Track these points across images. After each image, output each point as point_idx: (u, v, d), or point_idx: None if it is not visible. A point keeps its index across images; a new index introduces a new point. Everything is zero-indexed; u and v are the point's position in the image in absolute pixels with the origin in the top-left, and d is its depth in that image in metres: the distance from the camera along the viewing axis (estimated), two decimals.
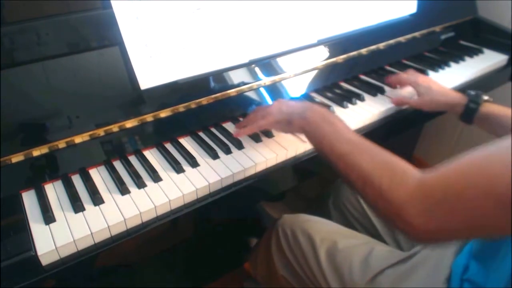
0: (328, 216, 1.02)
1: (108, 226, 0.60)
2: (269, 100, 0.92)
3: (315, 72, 0.98)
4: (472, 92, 0.85)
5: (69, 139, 0.68)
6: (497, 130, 0.80)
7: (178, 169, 0.71)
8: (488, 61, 1.21)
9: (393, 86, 0.99)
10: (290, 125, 0.71)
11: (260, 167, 0.75)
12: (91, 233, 0.59)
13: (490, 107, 0.81)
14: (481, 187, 0.38)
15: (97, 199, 0.64)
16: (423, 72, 1.11)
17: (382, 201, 0.48)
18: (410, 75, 0.95)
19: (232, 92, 0.85)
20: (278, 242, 0.89)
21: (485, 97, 0.83)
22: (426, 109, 0.91)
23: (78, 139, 0.69)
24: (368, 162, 0.52)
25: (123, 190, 0.66)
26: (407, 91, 0.98)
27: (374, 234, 0.90)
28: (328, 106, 0.91)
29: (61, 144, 0.68)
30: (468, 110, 0.83)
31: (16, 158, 0.64)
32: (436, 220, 0.42)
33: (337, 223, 0.89)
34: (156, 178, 0.69)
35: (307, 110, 0.68)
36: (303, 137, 0.81)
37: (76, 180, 0.69)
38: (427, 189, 0.44)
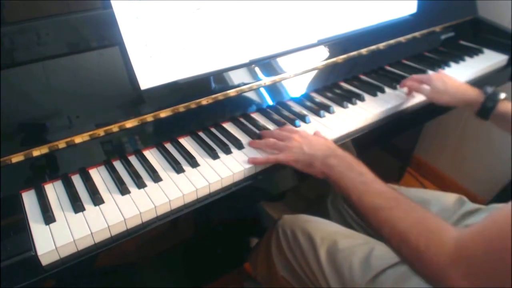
0: (327, 216, 1.02)
1: (108, 226, 0.60)
2: (269, 100, 0.92)
3: (315, 72, 0.98)
4: (489, 90, 0.84)
5: (69, 139, 0.68)
6: (510, 128, 0.80)
7: (178, 169, 0.71)
8: (488, 61, 1.21)
9: (409, 91, 0.98)
10: (311, 168, 0.68)
11: (260, 167, 0.75)
12: (91, 233, 0.59)
13: (507, 105, 0.81)
14: None
15: (97, 199, 0.64)
16: (423, 72, 1.11)
17: (421, 264, 0.46)
18: (422, 76, 0.95)
19: (232, 92, 0.85)
20: (278, 242, 0.89)
21: (503, 95, 0.83)
22: (440, 103, 0.90)
23: (78, 139, 0.69)
24: (402, 219, 0.50)
25: (123, 190, 0.66)
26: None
27: (372, 234, 0.90)
28: (328, 106, 0.91)
29: (61, 144, 0.68)
30: (484, 108, 0.83)
31: (16, 158, 0.64)
32: (480, 282, 0.41)
33: (336, 223, 0.89)
34: (156, 178, 0.69)
35: (330, 156, 0.65)
36: None
37: (76, 180, 0.69)
38: (467, 251, 0.42)
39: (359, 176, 0.60)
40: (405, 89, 0.98)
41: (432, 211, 0.83)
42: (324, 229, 0.84)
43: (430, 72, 1.12)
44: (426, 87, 0.93)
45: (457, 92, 0.88)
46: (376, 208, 0.54)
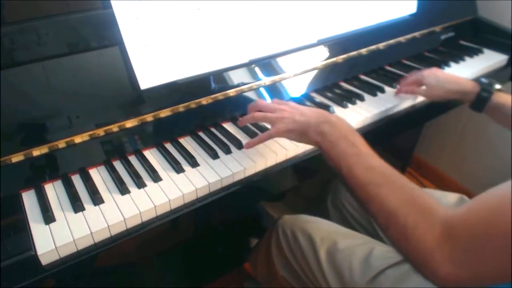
0: (326, 215, 1.02)
1: (108, 226, 0.60)
2: (269, 100, 0.92)
3: (315, 72, 0.98)
4: (485, 80, 0.83)
5: (69, 139, 0.68)
6: (506, 120, 0.79)
7: (178, 169, 0.71)
8: (488, 61, 1.21)
9: (407, 93, 0.97)
10: (304, 136, 0.65)
11: (260, 167, 0.75)
12: (91, 233, 0.59)
13: (502, 96, 0.80)
14: (508, 226, 0.36)
15: (97, 199, 0.64)
16: None
17: (406, 243, 0.45)
18: (415, 73, 0.95)
19: (232, 92, 0.85)
20: (278, 243, 0.89)
21: (498, 86, 0.82)
22: (437, 99, 0.89)
23: (78, 139, 0.70)
24: (392, 197, 0.48)
25: (123, 190, 0.66)
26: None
27: (372, 233, 0.90)
28: (328, 106, 0.91)
29: (61, 144, 0.68)
30: (480, 99, 0.82)
31: (16, 158, 0.64)
32: (466, 266, 0.39)
33: (335, 222, 0.89)
34: (156, 178, 0.69)
35: (324, 122, 0.62)
36: None
37: (76, 180, 0.69)
38: (453, 233, 0.41)
39: (351, 147, 0.56)
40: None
41: None
42: (324, 229, 0.84)
43: None
44: (421, 88, 0.92)
45: (451, 84, 0.87)
46: (366, 183, 0.51)
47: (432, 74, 0.89)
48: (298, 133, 0.66)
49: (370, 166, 0.53)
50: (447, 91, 0.87)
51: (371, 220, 0.52)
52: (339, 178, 0.57)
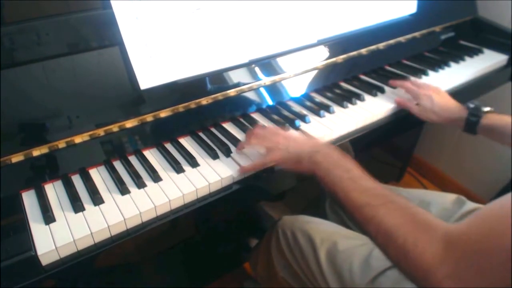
0: (325, 218, 1.02)
1: (108, 226, 0.60)
2: (269, 100, 0.92)
3: (315, 72, 0.98)
4: (471, 105, 0.84)
5: (69, 139, 0.68)
6: (502, 139, 0.80)
7: (178, 169, 0.71)
8: (488, 61, 1.21)
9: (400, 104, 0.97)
10: (298, 165, 0.66)
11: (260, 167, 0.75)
12: (91, 233, 0.59)
13: (492, 118, 0.81)
14: (510, 240, 0.36)
15: (97, 199, 0.64)
16: (423, 72, 1.11)
17: (406, 262, 0.45)
18: (415, 85, 0.95)
19: (232, 92, 0.85)
20: (278, 243, 0.89)
21: (486, 109, 0.83)
22: (426, 120, 0.91)
23: (78, 139, 0.70)
24: (389, 217, 0.48)
25: (123, 190, 0.66)
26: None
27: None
28: (328, 106, 0.91)
29: (61, 144, 0.68)
30: (469, 124, 0.84)
31: (16, 158, 0.64)
32: (465, 283, 0.39)
33: None
34: (156, 178, 0.69)
35: (316, 153, 0.64)
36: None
37: (76, 180, 0.69)
38: (454, 249, 0.41)
39: (345, 173, 0.58)
40: (403, 90, 0.98)
41: (432, 211, 0.84)
42: (324, 230, 0.84)
43: (430, 72, 1.12)
44: (414, 104, 0.93)
45: (442, 111, 0.88)
46: (363, 205, 0.52)
47: (428, 97, 0.90)
48: (292, 163, 0.68)
49: (365, 188, 0.54)
50: (438, 116, 0.89)
51: (372, 241, 0.52)
52: (337, 203, 0.58)
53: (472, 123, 0.83)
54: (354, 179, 0.56)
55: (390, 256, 0.48)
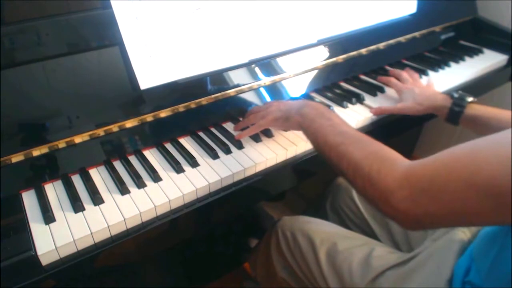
0: (325, 218, 1.02)
1: (108, 226, 0.60)
2: (269, 100, 0.92)
3: (315, 72, 0.98)
4: (456, 95, 0.84)
5: (69, 139, 0.68)
6: (484, 131, 0.79)
7: (178, 169, 0.71)
8: (488, 61, 1.21)
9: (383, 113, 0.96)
10: (288, 121, 0.73)
11: (260, 167, 0.75)
12: (91, 233, 0.59)
13: (476, 108, 0.80)
14: (464, 179, 0.41)
15: (97, 199, 0.64)
16: (423, 72, 1.11)
17: (370, 188, 0.50)
18: (399, 79, 0.95)
19: (232, 92, 0.85)
20: (278, 244, 0.89)
21: (470, 99, 0.82)
22: (410, 114, 0.90)
23: (78, 139, 0.70)
24: (359, 151, 0.54)
25: (123, 190, 0.66)
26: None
27: (371, 236, 0.90)
28: (328, 106, 0.91)
29: (61, 144, 0.68)
30: (452, 113, 0.83)
31: (16, 158, 0.64)
32: (421, 206, 0.45)
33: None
34: (156, 178, 0.69)
35: (304, 106, 0.70)
36: (305, 137, 0.82)
37: (76, 180, 0.69)
38: (413, 177, 0.46)
39: (327, 121, 0.64)
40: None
41: None
42: (323, 231, 0.84)
43: (430, 72, 1.12)
44: (395, 107, 0.92)
45: (426, 99, 0.88)
46: (337, 143, 0.58)
47: (409, 90, 0.90)
48: (283, 120, 0.74)
49: (341, 131, 0.60)
50: (421, 106, 0.88)
51: (344, 178, 0.58)
52: (316, 150, 0.64)
53: (455, 113, 0.82)
54: (333, 126, 0.62)
55: (358, 185, 0.53)
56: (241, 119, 0.87)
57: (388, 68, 1.14)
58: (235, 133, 0.82)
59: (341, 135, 0.59)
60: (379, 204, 0.50)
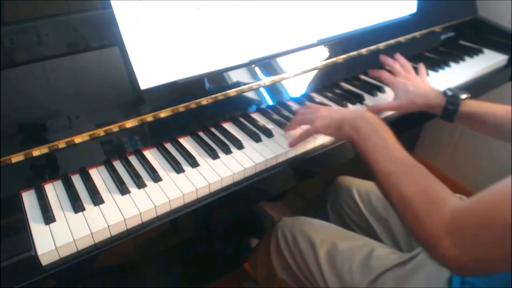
0: (326, 218, 1.02)
1: (108, 226, 0.60)
2: (269, 100, 0.92)
3: (315, 72, 0.98)
4: (449, 93, 0.82)
5: (69, 139, 0.68)
6: (480, 127, 0.78)
7: (178, 169, 0.71)
8: (488, 61, 1.20)
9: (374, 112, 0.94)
10: (339, 131, 0.70)
11: (260, 167, 0.75)
12: (91, 233, 0.59)
13: (471, 105, 0.79)
14: (509, 222, 0.39)
15: (97, 199, 0.64)
16: None
17: (419, 229, 0.49)
18: (392, 71, 0.93)
19: (232, 92, 0.85)
20: (277, 245, 0.89)
21: (464, 95, 0.80)
22: (404, 111, 0.89)
23: (78, 139, 0.70)
24: (410, 187, 0.53)
25: (123, 190, 0.66)
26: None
27: (372, 235, 0.90)
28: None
29: (61, 144, 0.68)
30: (447, 112, 0.81)
31: (16, 158, 0.64)
32: (469, 253, 0.44)
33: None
34: (156, 178, 0.69)
35: (358, 118, 0.67)
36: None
37: (76, 180, 0.69)
38: (460, 223, 0.45)
39: (381, 141, 0.61)
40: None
41: None
42: (324, 231, 0.84)
43: (430, 72, 1.12)
44: (387, 104, 0.91)
45: (419, 97, 0.85)
46: (389, 173, 0.56)
47: (402, 84, 0.88)
48: (334, 128, 0.71)
49: (395, 158, 0.58)
50: (414, 104, 0.86)
51: (393, 209, 0.56)
52: (367, 168, 0.62)
53: (450, 112, 0.81)
54: (387, 148, 0.60)
55: (406, 222, 0.53)
56: (241, 119, 0.87)
57: (388, 68, 1.14)
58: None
59: (394, 163, 0.58)
60: (427, 247, 0.49)
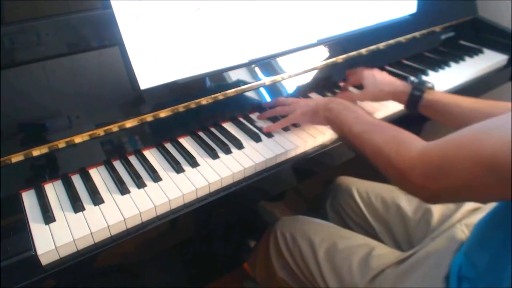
0: (325, 217, 1.02)
1: (108, 226, 0.60)
2: (269, 100, 0.92)
3: (315, 72, 0.98)
4: (416, 80, 0.86)
5: (69, 139, 0.69)
6: (443, 116, 0.80)
7: (178, 169, 0.71)
8: (488, 61, 1.21)
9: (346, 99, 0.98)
10: (316, 116, 0.78)
11: (260, 167, 0.75)
12: (91, 233, 0.59)
13: (434, 94, 0.81)
14: (471, 156, 0.46)
15: (97, 199, 0.64)
16: (423, 72, 1.11)
17: (391, 168, 0.56)
18: (357, 71, 0.96)
19: (231, 92, 0.85)
20: (276, 244, 0.89)
21: (429, 85, 0.83)
22: (372, 100, 0.92)
23: (78, 139, 0.70)
24: (380, 137, 0.60)
25: (123, 190, 0.66)
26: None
27: (372, 235, 0.90)
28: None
29: (61, 144, 0.68)
30: (412, 98, 0.84)
31: (16, 158, 0.64)
32: (435, 182, 0.50)
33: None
34: (156, 178, 0.69)
35: (330, 102, 0.76)
36: (306, 137, 0.81)
37: (76, 180, 0.69)
38: (428, 156, 0.51)
39: (352, 113, 0.69)
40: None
41: (432, 210, 0.84)
42: (323, 230, 0.84)
43: (430, 72, 1.12)
44: (356, 93, 0.94)
45: (385, 85, 0.89)
46: (361, 132, 0.64)
47: (370, 75, 0.91)
48: (311, 115, 0.79)
49: (364, 121, 0.66)
50: (381, 92, 0.89)
51: (368, 162, 0.63)
52: (342, 139, 0.71)
53: (415, 97, 0.83)
54: (358, 117, 0.68)
55: (380, 167, 0.59)
56: (241, 119, 0.87)
57: (388, 68, 1.14)
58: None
59: (364, 124, 0.65)
60: (400, 181, 0.55)
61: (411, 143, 0.55)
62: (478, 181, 0.46)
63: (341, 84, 1.04)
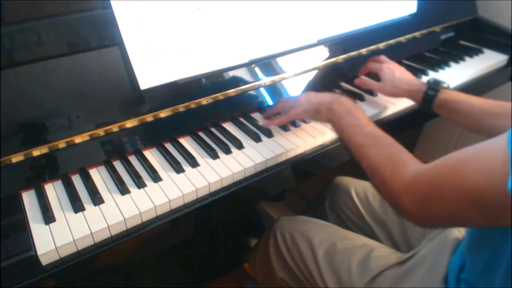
0: (324, 218, 1.02)
1: (108, 226, 0.60)
2: (269, 100, 0.92)
3: (315, 72, 0.98)
4: (432, 80, 0.87)
5: (69, 139, 0.69)
6: (455, 115, 0.80)
7: (178, 169, 0.71)
8: (488, 61, 1.21)
9: (360, 75, 1.00)
10: (318, 114, 0.77)
11: (260, 167, 0.75)
12: (91, 233, 0.59)
13: (448, 93, 0.82)
14: (454, 187, 0.45)
15: (97, 199, 0.64)
16: (423, 72, 1.11)
17: (384, 190, 0.57)
18: (377, 61, 0.96)
19: (232, 92, 0.85)
20: (276, 244, 0.89)
21: (445, 85, 0.85)
22: (387, 94, 0.92)
23: (78, 139, 0.70)
24: (377, 155, 0.59)
25: (123, 190, 0.66)
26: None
27: (370, 236, 0.90)
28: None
29: (61, 144, 0.68)
30: (426, 97, 0.84)
31: (16, 158, 0.64)
32: (425, 209, 0.50)
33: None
34: (156, 178, 0.69)
35: (334, 101, 0.74)
36: (306, 137, 0.81)
37: (76, 180, 0.69)
38: (417, 184, 0.51)
39: (354, 120, 0.68)
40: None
41: None
42: (322, 231, 0.84)
43: (430, 72, 1.12)
44: (374, 82, 0.94)
45: (402, 83, 0.89)
46: (360, 145, 0.64)
47: (390, 70, 0.92)
48: (313, 113, 0.78)
49: (364, 132, 0.65)
50: (397, 89, 0.90)
51: (366, 175, 0.63)
52: (343, 144, 0.70)
53: (429, 97, 0.84)
54: (359, 126, 0.67)
55: (374, 186, 0.60)
56: (241, 119, 0.87)
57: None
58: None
59: (364, 137, 0.64)
60: (392, 205, 0.55)
61: (406, 166, 0.54)
62: (463, 213, 0.45)
63: (342, 84, 1.04)
